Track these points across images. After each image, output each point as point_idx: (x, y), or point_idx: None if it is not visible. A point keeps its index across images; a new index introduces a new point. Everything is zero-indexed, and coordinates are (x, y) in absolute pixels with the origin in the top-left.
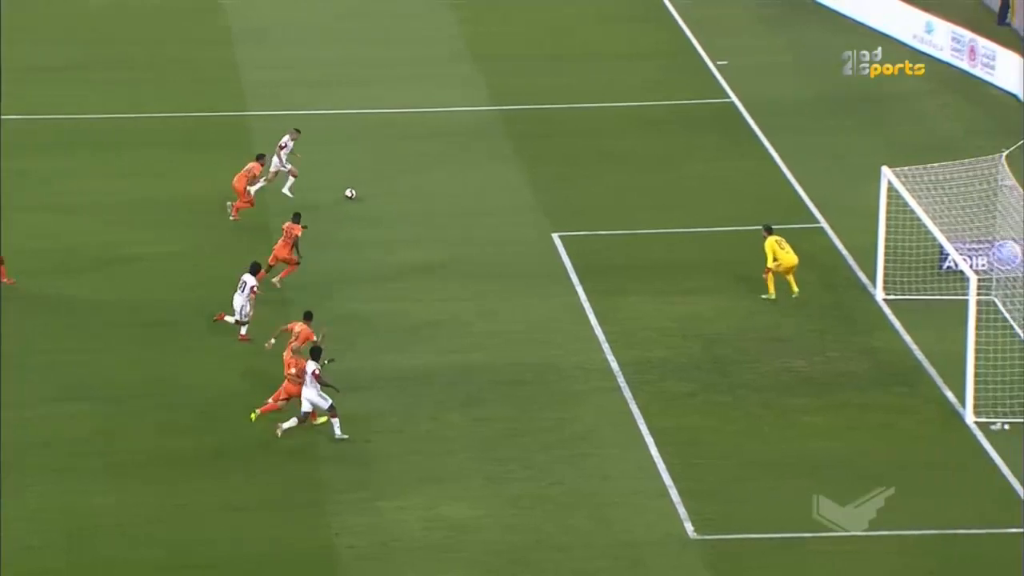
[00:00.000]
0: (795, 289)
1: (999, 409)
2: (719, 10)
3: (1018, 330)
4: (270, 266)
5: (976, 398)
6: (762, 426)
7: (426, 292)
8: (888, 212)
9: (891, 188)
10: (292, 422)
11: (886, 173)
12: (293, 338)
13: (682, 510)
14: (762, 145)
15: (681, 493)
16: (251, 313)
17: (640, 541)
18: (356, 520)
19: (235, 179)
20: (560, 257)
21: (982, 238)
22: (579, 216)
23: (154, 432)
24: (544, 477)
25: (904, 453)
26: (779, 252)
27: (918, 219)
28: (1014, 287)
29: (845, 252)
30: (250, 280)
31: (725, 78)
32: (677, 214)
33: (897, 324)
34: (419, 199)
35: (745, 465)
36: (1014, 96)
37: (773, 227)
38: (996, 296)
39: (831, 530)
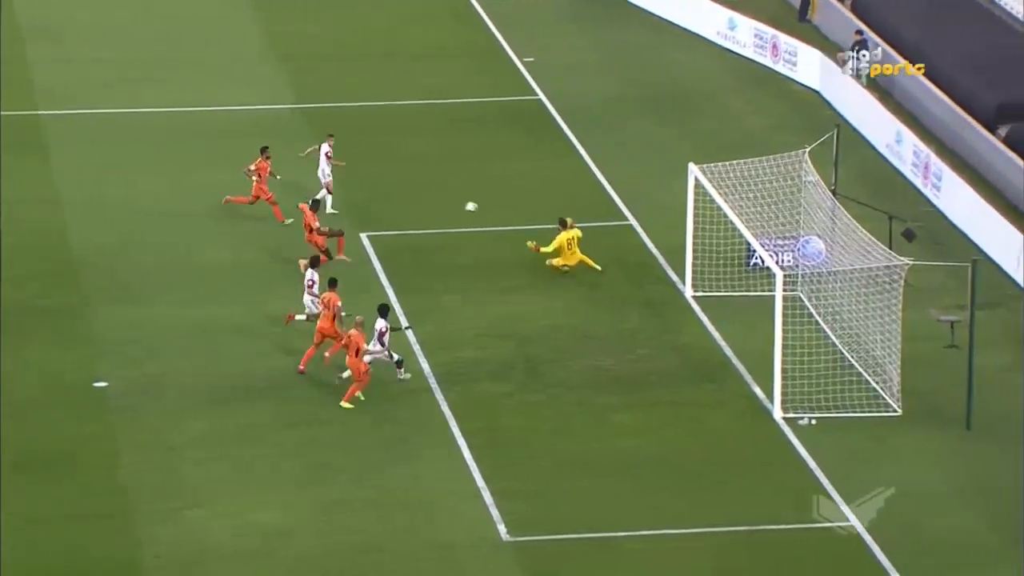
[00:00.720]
0: (597, 267)
1: (806, 404)
2: (524, 7)
3: (823, 325)
4: (321, 253)
5: (784, 394)
6: (575, 425)
7: (232, 295)
8: (696, 209)
9: (698, 185)
10: (401, 371)
11: (693, 170)
12: (325, 309)
13: (495, 512)
14: (571, 143)
15: (494, 494)
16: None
17: (454, 543)
18: (162, 530)
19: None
20: (369, 257)
21: (788, 234)
22: (388, 215)
23: None
24: (357, 481)
25: (714, 450)
26: (564, 249)
27: (725, 216)
28: (819, 283)
29: (654, 249)
30: (310, 274)
31: (532, 75)
32: (489, 213)
33: (706, 320)
34: (220, 199)
35: (558, 465)
36: (816, 92)
37: (573, 225)
38: (802, 292)
39: (645, 529)
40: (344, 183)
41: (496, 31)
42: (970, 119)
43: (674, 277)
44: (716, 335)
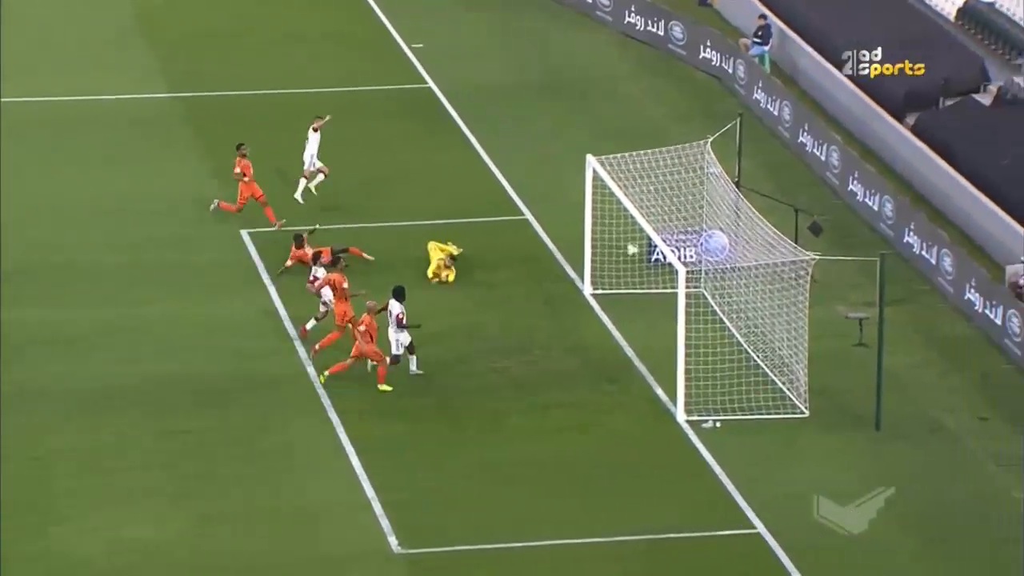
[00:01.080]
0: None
1: (710, 406)
2: None
3: (728, 324)
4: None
5: (687, 395)
6: (470, 430)
7: (103, 296)
8: (594, 202)
9: (597, 177)
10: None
11: (591, 161)
12: (333, 290)
13: (386, 523)
14: (462, 133)
15: (385, 505)
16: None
17: (342, 557)
18: (28, 547)
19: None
20: (250, 256)
21: (690, 228)
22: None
23: None
24: (238, 492)
25: (615, 454)
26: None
27: (625, 209)
28: (723, 279)
29: (551, 245)
30: (314, 270)
31: (421, 62)
32: (374, 207)
33: (605, 319)
34: (93, 196)
35: (453, 473)
36: (716, 79)
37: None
38: (705, 289)
39: (544, 539)
40: (221, 177)
41: (382, 15)
42: (877, 107)
43: (572, 274)
44: (616, 334)
